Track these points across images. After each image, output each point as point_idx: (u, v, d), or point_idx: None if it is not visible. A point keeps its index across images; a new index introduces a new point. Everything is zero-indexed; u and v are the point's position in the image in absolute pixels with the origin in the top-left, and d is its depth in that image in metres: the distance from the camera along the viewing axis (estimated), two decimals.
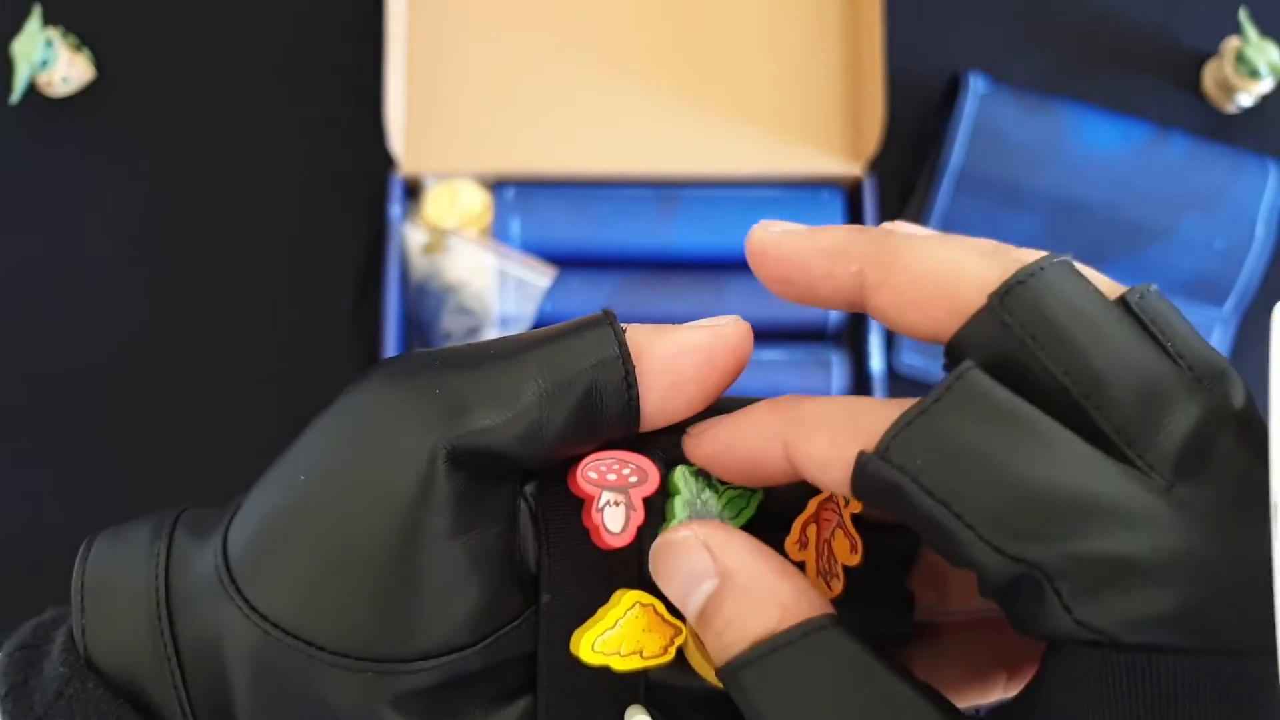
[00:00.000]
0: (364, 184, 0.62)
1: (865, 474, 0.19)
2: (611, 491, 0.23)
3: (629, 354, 0.22)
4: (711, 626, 0.20)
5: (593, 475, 0.23)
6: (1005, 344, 0.19)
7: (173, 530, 0.22)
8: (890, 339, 0.61)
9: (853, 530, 0.23)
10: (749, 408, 0.22)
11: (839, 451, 0.19)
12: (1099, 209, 0.61)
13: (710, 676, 0.23)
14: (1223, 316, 0.61)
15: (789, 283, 0.22)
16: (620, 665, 0.22)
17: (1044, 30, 0.66)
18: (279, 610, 0.21)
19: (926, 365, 0.61)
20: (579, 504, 0.23)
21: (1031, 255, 0.20)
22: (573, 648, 0.22)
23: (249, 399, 0.61)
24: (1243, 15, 0.61)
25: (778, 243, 0.22)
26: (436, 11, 0.63)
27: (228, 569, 0.21)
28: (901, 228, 0.22)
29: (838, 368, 0.60)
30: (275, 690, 0.21)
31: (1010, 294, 0.19)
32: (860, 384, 0.61)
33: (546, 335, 0.22)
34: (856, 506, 0.23)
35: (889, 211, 0.63)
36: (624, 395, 0.22)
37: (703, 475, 0.23)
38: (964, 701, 0.25)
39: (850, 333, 0.62)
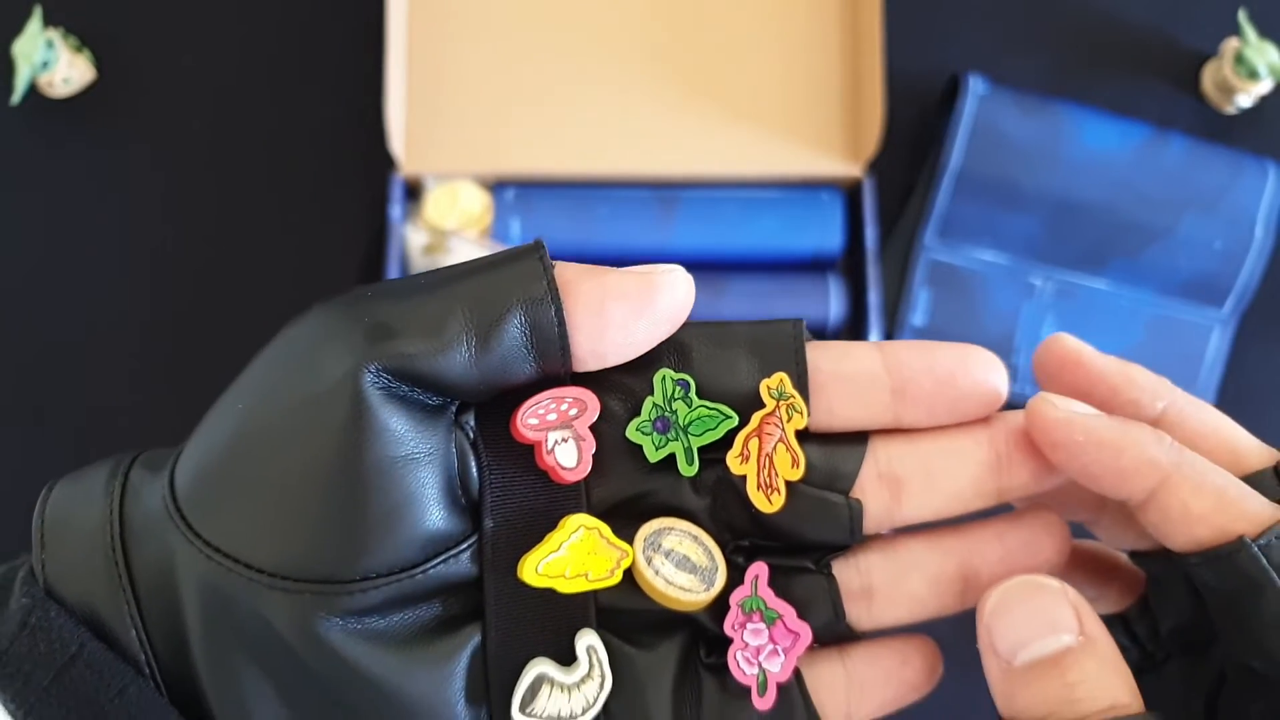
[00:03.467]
0: (364, 185, 0.62)
1: (1237, 556, 0.21)
2: (556, 431, 0.23)
3: (557, 290, 0.22)
4: (1063, 676, 0.21)
5: (533, 421, 0.23)
6: None
7: (129, 468, 0.23)
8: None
9: (795, 445, 0.24)
10: (1126, 422, 0.23)
11: (1217, 519, 0.22)
12: (1098, 209, 0.61)
13: (660, 599, 0.23)
14: (1222, 317, 0.61)
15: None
16: (566, 588, 0.23)
17: (1044, 30, 0.66)
18: (221, 535, 0.21)
19: None
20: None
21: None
22: (519, 572, 0.23)
23: None
24: (1242, 16, 0.61)
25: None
26: (436, 12, 0.63)
27: (174, 499, 0.22)
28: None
29: None
30: (222, 614, 0.21)
31: None
32: None
33: (475, 267, 0.22)
34: (800, 422, 0.23)
35: (889, 211, 0.63)
36: (554, 332, 0.22)
37: (681, 386, 0.23)
38: (925, 614, 0.25)
39: (849, 332, 0.62)
